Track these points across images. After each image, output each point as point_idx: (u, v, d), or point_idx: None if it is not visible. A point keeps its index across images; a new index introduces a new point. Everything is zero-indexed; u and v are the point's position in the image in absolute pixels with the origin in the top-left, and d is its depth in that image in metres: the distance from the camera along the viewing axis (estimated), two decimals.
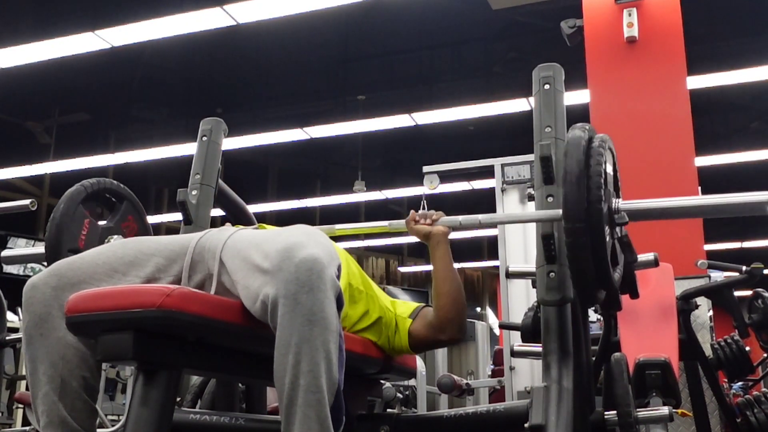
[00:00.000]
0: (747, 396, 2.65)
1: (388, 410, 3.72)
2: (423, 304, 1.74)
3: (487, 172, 4.63)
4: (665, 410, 1.52)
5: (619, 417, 1.46)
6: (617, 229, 1.44)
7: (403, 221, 1.74)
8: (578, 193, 1.30)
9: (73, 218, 1.57)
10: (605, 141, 1.42)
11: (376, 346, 1.62)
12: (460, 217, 1.67)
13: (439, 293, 1.66)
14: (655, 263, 1.76)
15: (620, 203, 1.45)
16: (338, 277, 1.23)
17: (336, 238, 1.64)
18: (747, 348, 2.76)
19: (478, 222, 1.64)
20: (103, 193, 1.66)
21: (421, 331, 1.66)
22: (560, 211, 1.37)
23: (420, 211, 1.75)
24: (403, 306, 1.74)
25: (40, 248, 1.78)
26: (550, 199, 1.52)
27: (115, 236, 1.61)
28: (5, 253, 2.02)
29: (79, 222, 1.59)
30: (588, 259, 1.30)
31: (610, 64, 3.88)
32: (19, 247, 9.85)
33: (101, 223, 1.64)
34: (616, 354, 1.63)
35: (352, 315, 1.55)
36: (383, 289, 1.81)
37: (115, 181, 1.71)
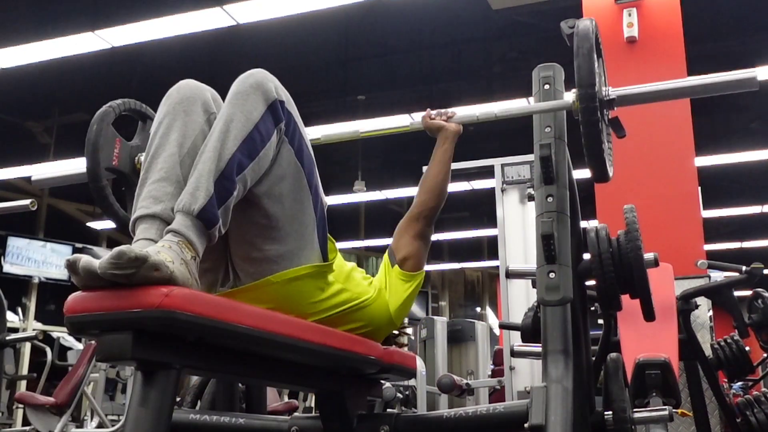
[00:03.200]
0: (747, 396, 2.65)
1: (388, 410, 3.72)
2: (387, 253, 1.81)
3: (487, 172, 4.64)
4: (665, 410, 1.53)
5: (614, 414, 1.46)
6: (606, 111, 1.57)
7: (421, 119, 1.87)
8: (590, 66, 1.41)
9: (106, 139, 1.63)
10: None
11: (376, 345, 1.62)
12: (477, 112, 1.77)
13: (428, 179, 1.82)
14: (655, 263, 1.76)
15: (610, 90, 1.58)
16: (282, 100, 1.39)
17: (338, 235, 1.66)
18: (747, 348, 2.77)
19: (494, 115, 1.72)
20: (128, 113, 1.73)
21: (407, 248, 1.76)
22: (569, 101, 1.50)
23: (436, 110, 1.88)
24: (381, 273, 1.78)
25: (75, 169, 1.93)
26: (550, 199, 1.51)
27: (143, 154, 1.66)
28: (40, 175, 2.08)
29: (112, 142, 1.65)
30: (600, 133, 1.43)
31: (610, 64, 3.87)
32: (19, 247, 9.86)
33: (130, 142, 1.70)
34: (612, 354, 1.63)
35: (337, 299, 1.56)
36: None
37: (138, 102, 1.77)
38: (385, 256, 1.80)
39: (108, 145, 1.64)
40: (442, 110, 1.87)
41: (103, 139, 1.62)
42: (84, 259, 1.10)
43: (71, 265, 1.11)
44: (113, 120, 1.66)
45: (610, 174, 1.56)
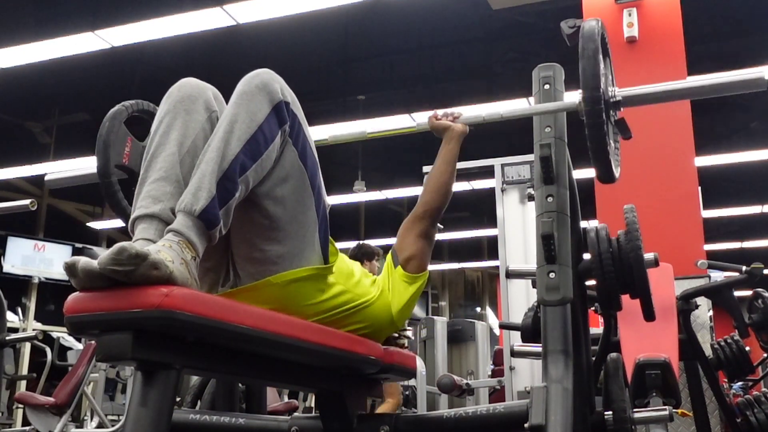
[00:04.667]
0: (747, 396, 2.65)
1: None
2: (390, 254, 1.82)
3: (487, 172, 4.64)
4: (665, 410, 1.53)
5: (614, 414, 1.46)
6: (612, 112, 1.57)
7: (427, 120, 1.89)
8: (595, 67, 1.41)
9: (118, 136, 1.65)
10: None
11: (376, 345, 1.62)
12: (483, 113, 1.77)
13: (433, 179, 1.81)
14: (655, 263, 1.76)
15: (617, 91, 1.56)
16: (287, 102, 1.39)
17: (338, 235, 1.66)
18: (747, 348, 2.77)
19: (500, 116, 1.72)
20: (140, 114, 1.73)
21: (411, 248, 1.75)
22: (575, 101, 1.48)
23: (442, 110, 1.90)
24: (384, 275, 1.78)
25: (87, 169, 1.92)
26: (549, 199, 1.51)
27: None
28: (53, 176, 2.09)
29: (123, 140, 1.67)
30: (606, 135, 1.43)
31: None
32: (20, 246, 9.86)
33: (141, 142, 1.71)
34: (612, 354, 1.63)
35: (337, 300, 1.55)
36: None
37: (151, 103, 1.77)
38: (388, 257, 1.80)
39: (119, 143, 1.65)
40: (449, 110, 1.88)
41: (114, 137, 1.63)
42: (82, 260, 1.10)
43: (70, 268, 1.10)
44: (125, 119, 1.67)
45: (617, 175, 1.56)
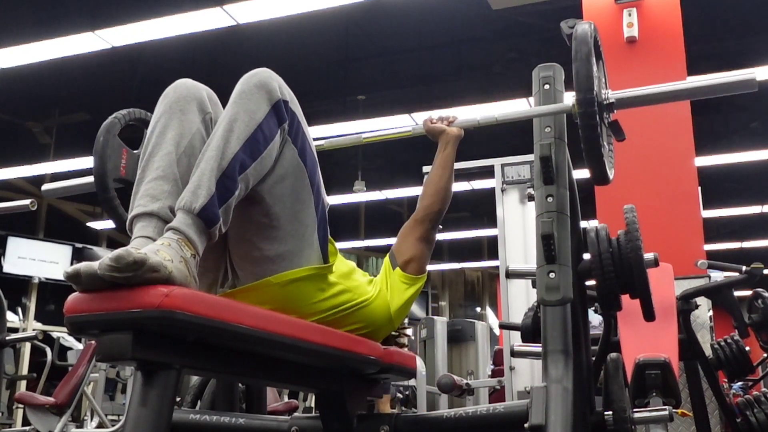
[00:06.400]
0: (747, 396, 2.65)
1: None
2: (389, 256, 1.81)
3: (487, 172, 4.63)
4: (665, 410, 1.53)
5: (614, 414, 1.46)
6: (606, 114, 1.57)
7: (422, 125, 1.90)
8: (588, 69, 1.42)
9: (113, 149, 1.66)
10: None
11: (376, 345, 1.62)
12: (478, 117, 1.79)
13: (432, 184, 1.82)
14: (655, 263, 1.76)
15: (610, 93, 1.57)
16: (286, 100, 1.40)
17: (338, 235, 1.66)
18: (747, 348, 2.77)
19: (494, 119, 1.73)
20: (134, 123, 1.74)
21: (410, 251, 1.76)
22: (569, 103, 1.49)
23: (437, 114, 1.91)
24: (382, 275, 1.78)
25: (85, 180, 1.94)
26: (550, 199, 1.51)
27: None
28: (49, 186, 2.10)
29: (118, 152, 1.68)
30: (599, 137, 1.44)
31: (610, 64, 3.87)
32: (20, 246, 9.86)
33: (136, 151, 1.72)
34: (612, 354, 1.63)
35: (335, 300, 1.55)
36: None
37: (143, 111, 1.78)
38: (386, 258, 1.80)
39: (115, 156, 1.66)
40: (444, 114, 1.89)
41: (110, 150, 1.64)
42: (84, 266, 1.10)
43: (73, 277, 1.10)
44: (120, 130, 1.68)
45: (611, 176, 1.57)
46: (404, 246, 1.78)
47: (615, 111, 1.59)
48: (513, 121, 1.72)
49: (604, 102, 1.55)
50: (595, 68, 1.45)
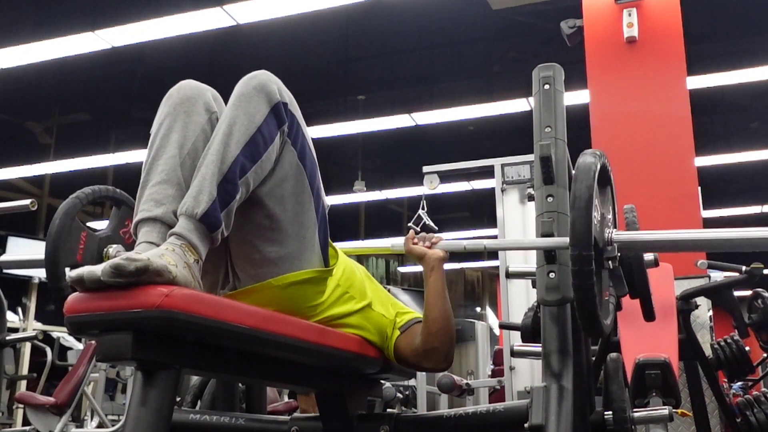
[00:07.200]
0: (747, 396, 2.65)
1: (388, 410, 3.72)
2: (418, 318, 1.66)
3: (487, 172, 4.63)
4: (665, 410, 1.53)
5: (614, 414, 1.46)
6: (608, 261, 1.42)
7: (402, 242, 1.68)
8: (587, 219, 1.27)
9: (70, 233, 1.57)
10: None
11: (375, 346, 1.62)
12: (465, 242, 1.60)
13: (427, 318, 1.58)
14: (655, 263, 1.76)
15: (614, 233, 1.42)
16: (285, 102, 1.39)
17: (338, 235, 1.65)
18: (747, 348, 2.76)
19: (483, 247, 1.61)
20: (100, 200, 1.68)
21: (406, 351, 1.60)
22: (566, 240, 1.32)
23: (421, 233, 1.68)
24: (401, 314, 1.69)
25: (39, 254, 1.74)
26: (550, 199, 1.52)
27: (114, 245, 1.61)
28: (4, 258, 2.04)
29: (76, 236, 1.59)
30: (593, 287, 1.26)
31: (610, 64, 3.88)
32: (20, 246, 9.85)
33: (98, 232, 1.65)
34: (612, 354, 1.63)
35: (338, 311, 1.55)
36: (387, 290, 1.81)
37: (111, 187, 1.71)
38: (411, 312, 1.69)
39: (72, 240, 1.56)
40: (427, 234, 1.67)
41: (65, 235, 1.55)
42: (86, 272, 1.10)
43: (77, 282, 1.11)
44: (79, 211, 1.59)
45: (607, 329, 1.38)
46: (406, 345, 1.61)
47: (619, 254, 1.42)
48: (502, 249, 1.60)
49: (606, 247, 1.39)
50: (596, 210, 1.31)
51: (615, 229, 1.46)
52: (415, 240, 1.66)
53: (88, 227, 1.62)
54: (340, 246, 1.64)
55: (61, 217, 1.57)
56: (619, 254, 1.43)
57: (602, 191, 1.42)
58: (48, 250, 1.55)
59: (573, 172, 1.34)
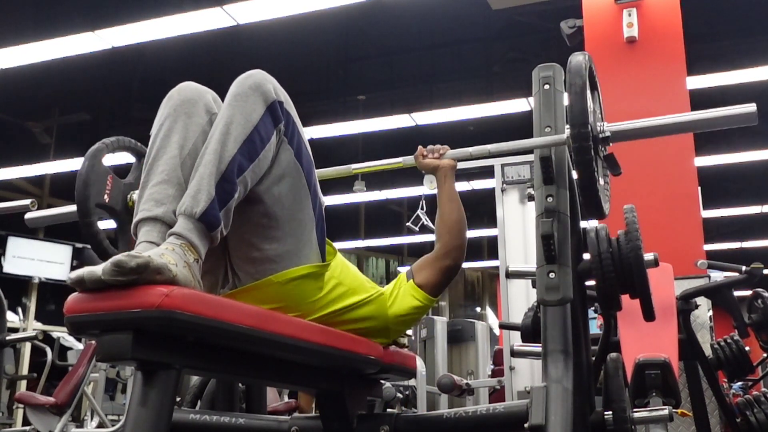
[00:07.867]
0: (747, 396, 2.65)
1: (388, 410, 3.72)
2: (405, 272, 1.79)
3: (487, 172, 4.63)
4: (665, 410, 1.53)
5: (614, 414, 1.46)
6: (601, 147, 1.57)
7: (413, 157, 1.83)
8: (582, 103, 1.39)
9: (98, 175, 1.63)
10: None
11: (376, 345, 1.62)
12: (470, 149, 1.75)
13: (444, 221, 1.75)
14: (655, 263, 1.76)
15: (605, 126, 1.57)
16: (281, 101, 1.40)
17: (338, 235, 1.66)
18: (747, 348, 2.76)
19: (487, 152, 1.72)
20: (122, 150, 1.73)
21: (428, 274, 1.72)
22: (563, 136, 1.47)
23: (429, 146, 1.84)
24: (394, 283, 1.76)
25: (70, 208, 1.87)
26: (550, 200, 1.51)
27: (137, 191, 1.66)
28: (32, 214, 2.09)
29: (104, 178, 1.65)
30: (594, 172, 1.42)
31: (610, 64, 3.88)
32: (20, 246, 9.85)
33: (123, 180, 1.70)
34: (612, 354, 1.63)
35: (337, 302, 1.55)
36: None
37: (132, 140, 1.77)
38: (402, 273, 1.79)
39: (99, 181, 1.63)
40: (435, 147, 1.83)
41: (94, 175, 1.62)
42: (87, 272, 1.11)
43: (78, 283, 1.11)
44: (105, 156, 1.65)
45: (606, 211, 1.55)
46: (425, 270, 1.74)
47: (611, 144, 1.57)
48: (506, 153, 1.71)
49: (600, 136, 1.54)
50: (590, 101, 1.44)
51: (605, 123, 1.60)
52: (425, 152, 1.82)
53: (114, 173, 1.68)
54: (340, 246, 1.65)
55: (90, 158, 1.62)
56: (610, 139, 1.57)
57: (592, 89, 1.51)
58: (79, 187, 1.60)
59: (566, 72, 1.45)
